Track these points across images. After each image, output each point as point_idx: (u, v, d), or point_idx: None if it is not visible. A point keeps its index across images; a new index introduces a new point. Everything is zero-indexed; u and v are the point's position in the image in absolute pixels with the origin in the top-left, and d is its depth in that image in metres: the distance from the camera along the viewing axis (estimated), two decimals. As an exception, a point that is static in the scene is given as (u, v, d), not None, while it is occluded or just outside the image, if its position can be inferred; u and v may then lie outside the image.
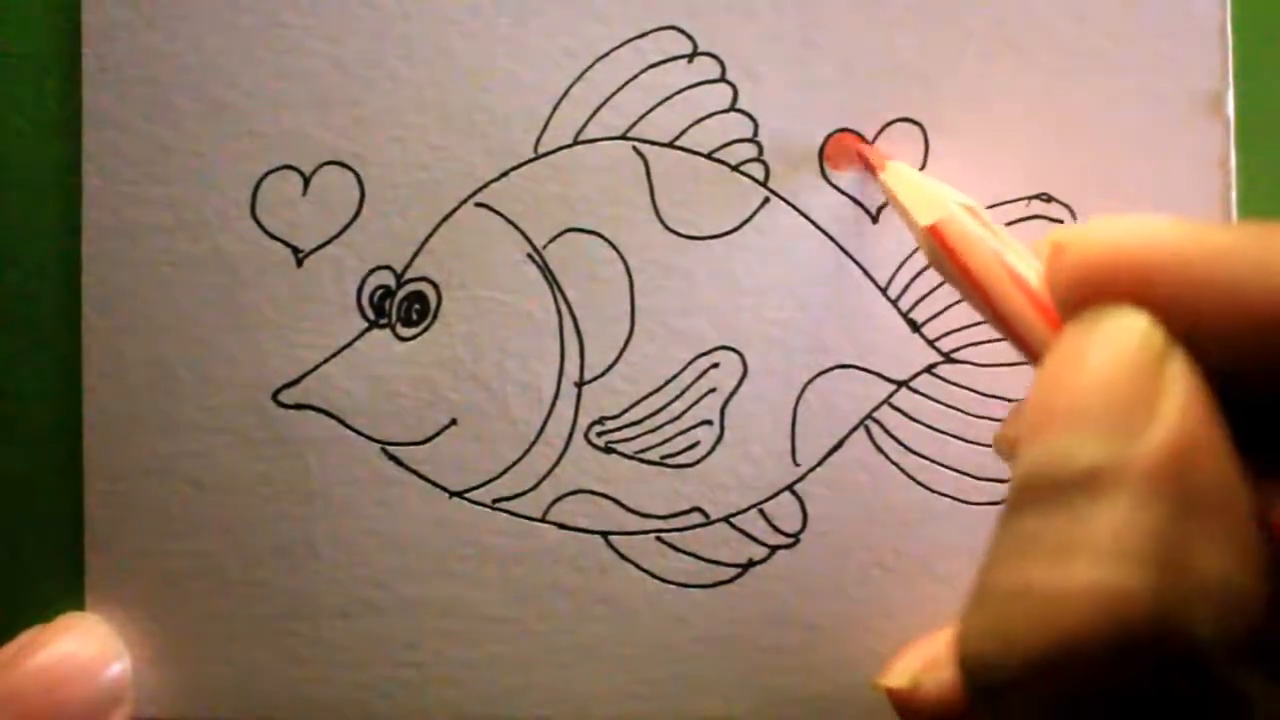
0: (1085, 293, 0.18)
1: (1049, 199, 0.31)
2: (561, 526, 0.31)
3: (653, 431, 0.31)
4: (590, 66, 0.31)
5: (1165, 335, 0.17)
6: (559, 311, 0.31)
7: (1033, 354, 0.22)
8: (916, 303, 0.31)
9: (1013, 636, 0.16)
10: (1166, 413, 0.17)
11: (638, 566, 0.31)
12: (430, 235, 0.31)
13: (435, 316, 0.31)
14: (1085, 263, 0.19)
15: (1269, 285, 0.17)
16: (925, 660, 0.29)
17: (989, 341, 0.31)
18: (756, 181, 0.31)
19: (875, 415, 0.31)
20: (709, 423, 0.31)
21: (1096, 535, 0.16)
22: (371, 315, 0.31)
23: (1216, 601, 0.16)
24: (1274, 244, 0.17)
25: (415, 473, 0.31)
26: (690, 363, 0.31)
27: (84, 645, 0.30)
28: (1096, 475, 0.16)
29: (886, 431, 0.31)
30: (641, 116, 0.31)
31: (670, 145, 0.31)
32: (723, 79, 0.31)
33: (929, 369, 0.31)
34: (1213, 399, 0.17)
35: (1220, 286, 0.17)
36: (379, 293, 0.31)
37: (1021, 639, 0.16)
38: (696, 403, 0.31)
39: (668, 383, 0.31)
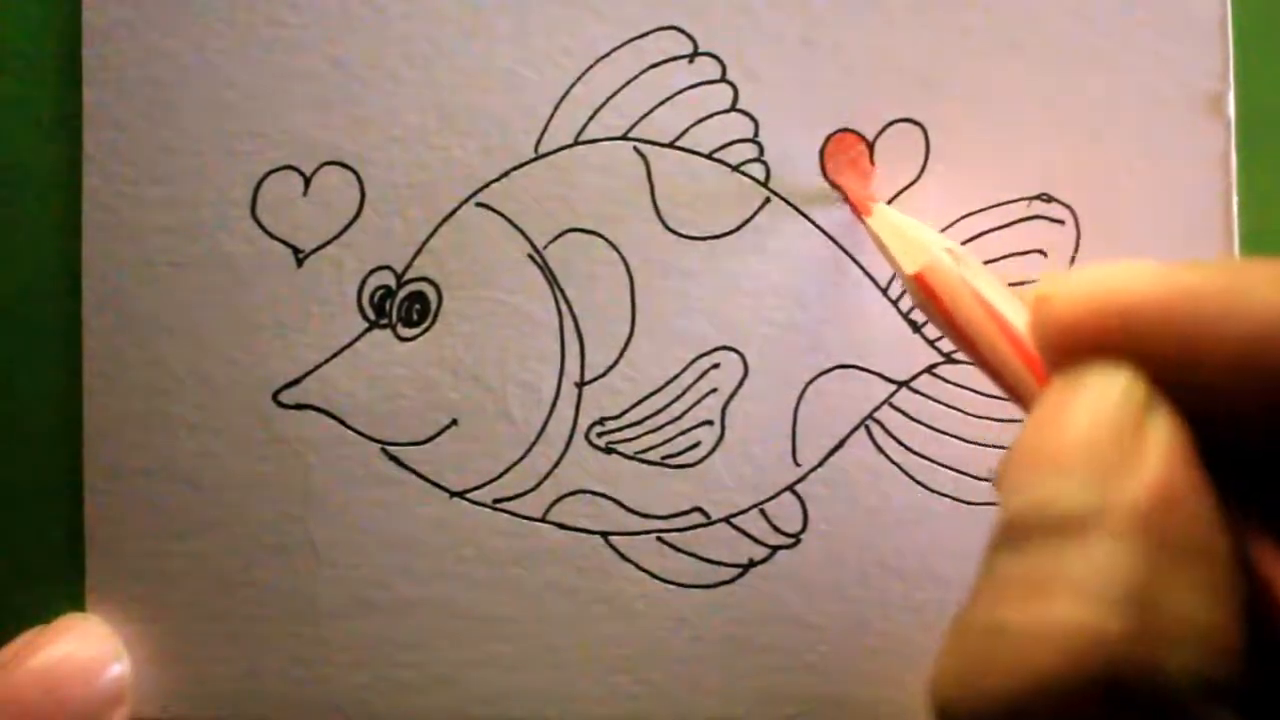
0: (1070, 343, 0.19)
1: (1049, 199, 0.31)
2: (562, 527, 0.31)
3: (653, 432, 0.31)
4: (590, 66, 0.31)
5: (1147, 390, 0.18)
6: (559, 312, 0.31)
7: (1017, 398, 0.22)
8: (917, 303, 0.31)
9: (986, 676, 0.16)
10: (1148, 462, 0.17)
11: (638, 567, 0.31)
12: (430, 235, 0.31)
13: (436, 317, 0.31)
14: (1068, 314, 0.19)
15: (1236, 325, 0.17)
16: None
17: (989, 341, 0.31)
18: (757, 182, 0.31)
19: (876, 415, 0.31)
20: (709, 423, 0.31)
21: (1073, 576, 0.16)
22: (372, 315, 0.31)
23: (1192, 644, 0.16)
24: (1238, 282, 0.18)
25: (415, 473, 0.31)
26: (691, 363, 0.31)
27: (84, 646, 0.30)
28: (1077, 520, 0.17)
29: (887, 431, 0.31)
30: (642, 117, 0.31)
31: (671, 145, 0.31)
32: (723, 79, 0.31)
33: (929, 369, 0.31)
34: (1194, 449, 0.18)
35: (1196, 328, 0.18)
36: (379, 293, 0.31)
37: (995, 679, 0.16)
38: (697, 403, 0.31)
39: (668, 383, 0.31)
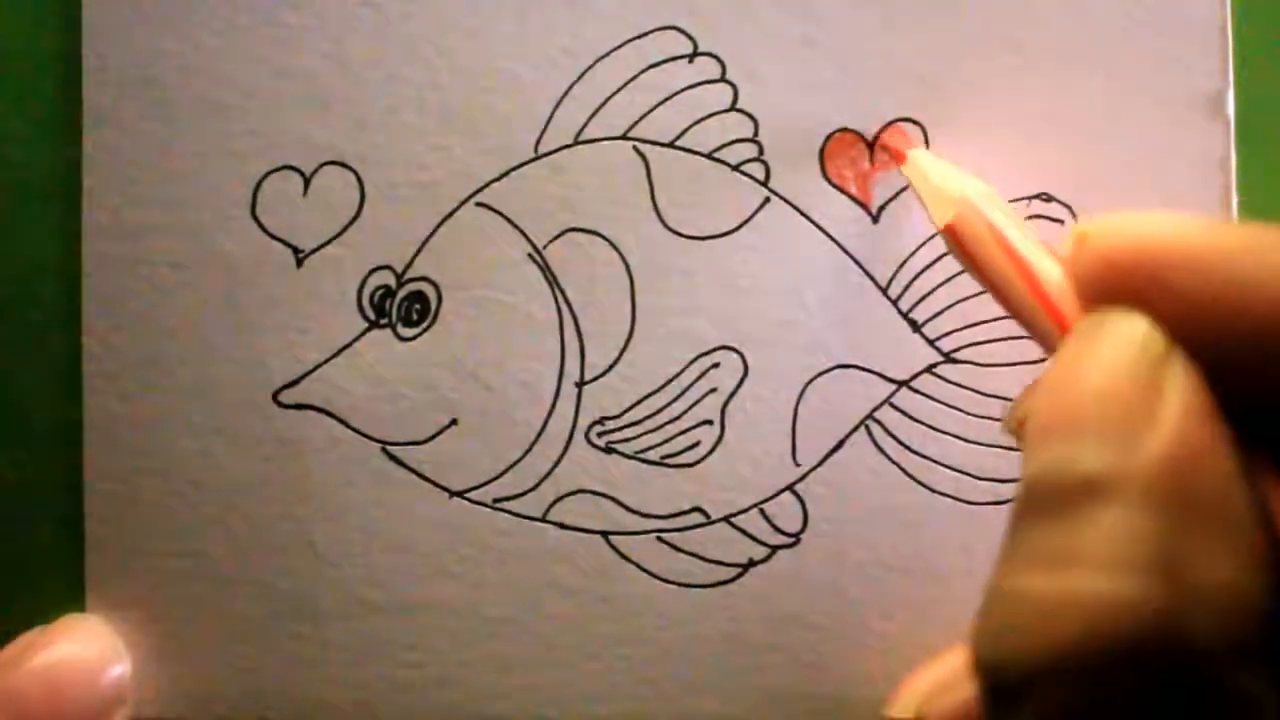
0: (1105, 283, 0.19)
1: (1049, 199, 0.31)
2: (562, 526, 0.31)
3: (653, 431, 0.31)
4: (590, 66, 0.31)
5: (1165, 339, 0.18)
6: (559, 311, 0.31)
7: (1047, 350, 0.22)
8: (917, 303, 0.31)
9: (1016, 642, 0.16)
10: (1165, 419, 0.17)
11: (638, 566, 0.31)
12: (430, 235, 0.31)
13: (435, 316, 0.31)
14: (1106, 253, 0.19)
15: (1273, 287, 0.17)
16: (929, 687, 0.29)
17: (990, 341, 0.31)
18: (757, 181, 0.31)
19: (876, 415, 0.31)
20: (709, 423, 0.31)
21: (1094, 544, 0.16)
22: (372, 315, 0.31)
23: (1218, 606, 0.16)
24: (1274, 241, 0.18)
25: (415, 473, 0.31)
26: (691, 363, 0.31)
27: (85, 647, 0.30)
28: (1096, 483, 0.16)
29: (887, 431, 0.31)
30: (642, 116, 0.31)
31: (670, 145, 0.31)
32: (723, 79, 0.31)
33: (929, 369, 0.31)
34: (1213, 402, 0.17)
35: (1231, 285, 0.18)
36: (379, 293, 0.31)
37: (1024, 644, 0.16)
38: (697, 403, 0.31)
39: (668, 383, 0.31)
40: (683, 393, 0.31)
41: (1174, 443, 0.17)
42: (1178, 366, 0.17)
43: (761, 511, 0.31)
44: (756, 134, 0.31)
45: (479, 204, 0.31)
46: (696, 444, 0.31)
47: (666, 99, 0.31)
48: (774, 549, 0.31)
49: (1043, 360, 0.31)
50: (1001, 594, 0.17)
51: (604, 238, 0.31)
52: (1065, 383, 0.18)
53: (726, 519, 0.31)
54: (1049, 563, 0.16)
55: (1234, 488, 0.17)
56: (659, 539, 0.31)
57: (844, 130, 0.31)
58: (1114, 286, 0.19)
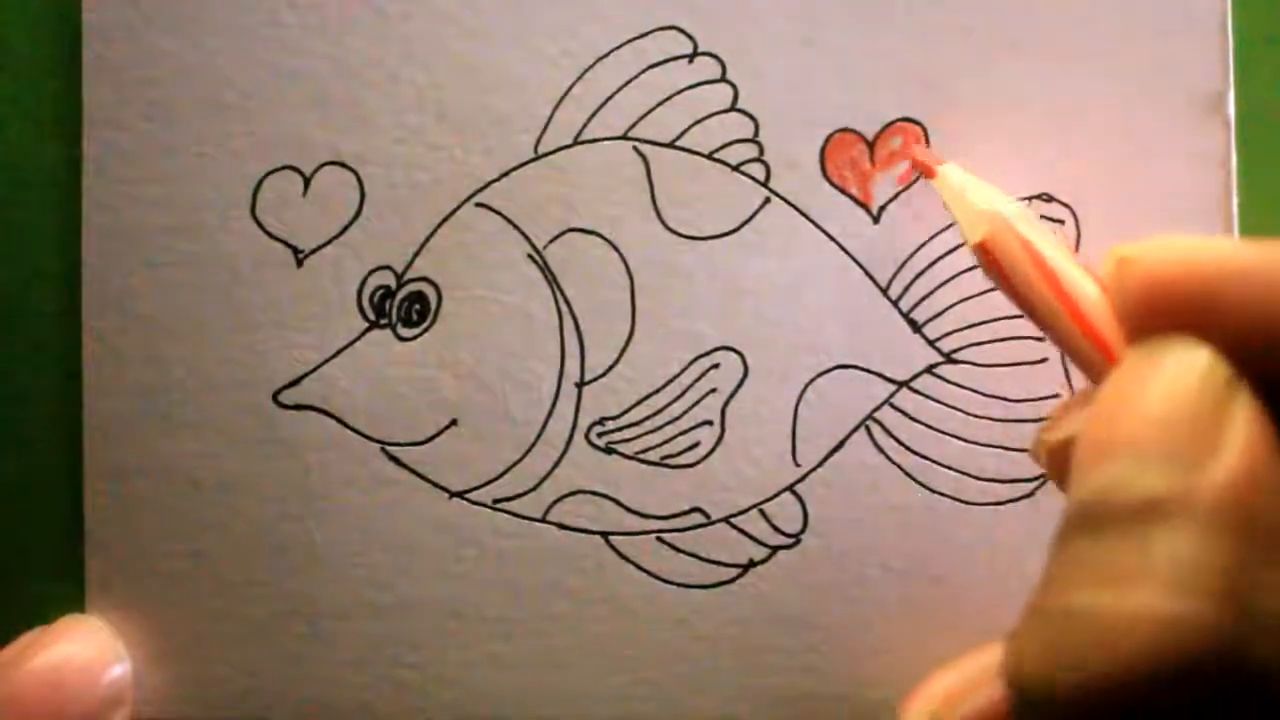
0: (1153, 306, 0.19)
1: (1049, 199, 0.31)
2: (562, 527, 0.31)
3: (653, 432, 0.31)
4: (590, 66, 0.31)
5: (1229, 370, 0.18)
6: (559, 312, 0.31)
7: (1084, 369, 0.22)
8: (917, 303, 0.31)
9: (1071, 659, 0.16)
10: (1231, 446, 0.17)
11: (638, 567, 0.31)
12: (430, 235, 0.31)
13: (435, 317, 0.31)
14: (1152, 276, 0.19)
15: None
16: (945, 692, 0.29)
17: (990, 342, 0.31)
18: (757, 181, 0.31)
19: (876, 415, 0.31)
20: (709, 423, 0.31)
21: (1160, 564, 0.16)
22: (372, 315, 0.31)
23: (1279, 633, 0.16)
24: None
25: (415, 473, 0.31)
26: (690, 363, 0.31)
27: (85, 647, 0.30)
28: (1159, 504, 0.16)
29: (887, 432, 0.31)
30: (642, 116, 0.31)
31: (670, 145, 0.31)
32: (723, 79, 0.31)
33: (930, 369, 0.31)
34: (1276, 432, 0.17)
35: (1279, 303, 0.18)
36: (379, 293, 0.31)
37: (1080, 662, 0.16)
38: (697, 403, 0.31)
39: (668, 383, 0.31)
40: (683, 393, 0.31)
41: (1240, 469, 0.16)
42: (1243, 396, 0.17)
43: (761, 512, 0.31)
44: (757, 134, 0.31)
45: (479, 204, 0.31)
46: (696, 444, 0.31)
47: (666, 99, 0.31)
48: (774, 549, 0.31)
49: (1043, 361, 0.31)
50: (1053, 612, 0.17)
51: (604, 238, 0.31)
52: (1124, 406, 0.18)
53: (726, 519, 0.31)
54: (1110, 580, 0.16)
55: None
56: (659, 539, 0.31)
57: (844, 130, 0.31)
58: (1162, 309, 0.18)
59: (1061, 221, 0.31)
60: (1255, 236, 0.31)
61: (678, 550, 0.31)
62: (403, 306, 0.31)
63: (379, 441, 0.31)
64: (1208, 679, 0.15)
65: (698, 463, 0.31)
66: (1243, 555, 0.16)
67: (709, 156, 0.31)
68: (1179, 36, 0.31)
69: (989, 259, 0.25)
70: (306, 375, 0.31)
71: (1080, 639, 0.16)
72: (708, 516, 0.31)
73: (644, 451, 0.31)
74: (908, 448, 0.31)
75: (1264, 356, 0.18)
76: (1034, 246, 0.24)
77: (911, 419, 0.31)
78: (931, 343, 0.31)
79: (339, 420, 0.31)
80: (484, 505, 0.31)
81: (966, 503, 0.31)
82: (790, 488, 0.31)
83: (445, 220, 0.31)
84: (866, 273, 0.31)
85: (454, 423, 0.31)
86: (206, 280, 0.31)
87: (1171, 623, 0.15)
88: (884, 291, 0.31)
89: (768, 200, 0.31)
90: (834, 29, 0.31)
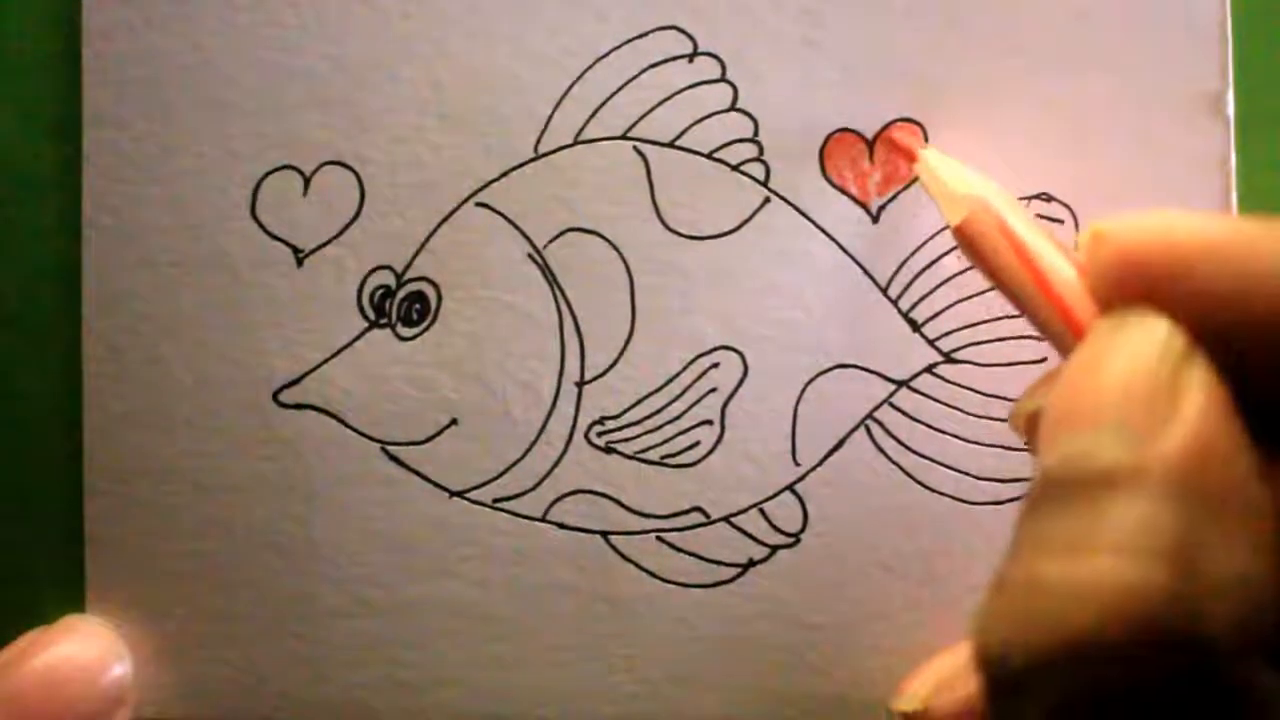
0: (1124, 279, 0.19)
1: (1049, 199, 0.31)
2: (562, 526, 0.31)
3: (653, 431, 0.31)
4: (590, 66, 0.31)
5: (1186, 341, 0.18)
6: (559, 311, 0.31)
7: (1059, 350, 0.22)
8: (917, 302, 0.31)
9: (1028, 628, 0.16)
10: (1186, 415, 0.17)
11: (638, 566, 0.31)
12: (430, 235, 0.31)
13: (435, 316, 0.31)
14: (1125, 250, 0.19)
15: None
16: (935, 682, 0.29)
17: (990, 341, 0.31)
18: (757, 181, 0.31)
19: (876, 415, 0.31)
20: (709, 423, 0.31)
21: (1114, 531, 0.16)
22: (372, 315, 0.31)
23: (1233, 599, 0.16)
24: None
25: (415, 473, 0.31)
26: (690, 363, 0.31)
27: (85, 648, 0.30)
28: (1116, 473, 0.17)
29: (887, 431, 0.31)
30: (642, 116, 0.31)
31: (670, 145, 0.31)
32: (723, 79, 0.31)
33: (929, 369, 0.31)
34: (1231, 402, 0.18)
35: (1253, 276, 0.18)
36: (379, 293, 0.31)
37: (1036, 631, 0.16)
38: (697, 403, 0.31)
39: (668, 383, 0.31)
40: (683, 393, 0.31)
41: (1194, 438, 0.17)
42: (1198, 366, 0.18)
43: (761, 511, 0.31)
44: (756, 134, 0.31)
45: (479, 204, 0.31)
46: (696, 444, 0.31)
47: (666, 99, 0.31)
48: (774, 549, 0.31)
49: (1043, 361, 0.31)
50: (1012, 582, 0.17)
51: (604, 238, 0.31)
52: (1085, 378, 0.18)
53: (726, 519, 0.31)
54: (1066, 549, 0.16)
55: (1250, 484, 0.17)
56: (659, 539, 0.31)
57: (844, 130, 0.31)
58: (1133, 283, 0.19)
59: (1061, 221, 0.31)
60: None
61: (678, 549, 0.31)
62: (403, 306, 0.31)
63: (379, 441, 0.31)
64: (1161, 642, 0.16)
65: (698, 462, 0.31)
66: (1194, 520, 0.16)
67: (709, 156, 0.31)
68: (1179, 36, 0.31)
69: (967, 241, 0.25)
70: (306, 375, 0.31)
71: (1037, 607, 0.16)
72: (707, 516, 0.31)
73: (644, 451, 0.31)
74: (908, 447, 0.31)
75: (1234, 328, 0.18)
76: (1010, 228, 0.24)
77: (911, 418, 0.31)
78: (931, 342, 0.31)
79: (339, 420, 0.31)
80: (484, 505, 0.31)
81: (966, 502, 0.31)
82: (790, 487, 0.31)
83: (445, 220, 0.31)
84: (866, 272, 0.31)
85: (454, 422, 0.31)
86: (206, 280, 0.31)
87: (1124, 587, 0.16)
88: (883, 291, 0.31)
89: (767, 200, 0.31)
90: (834, 29, 0.31)
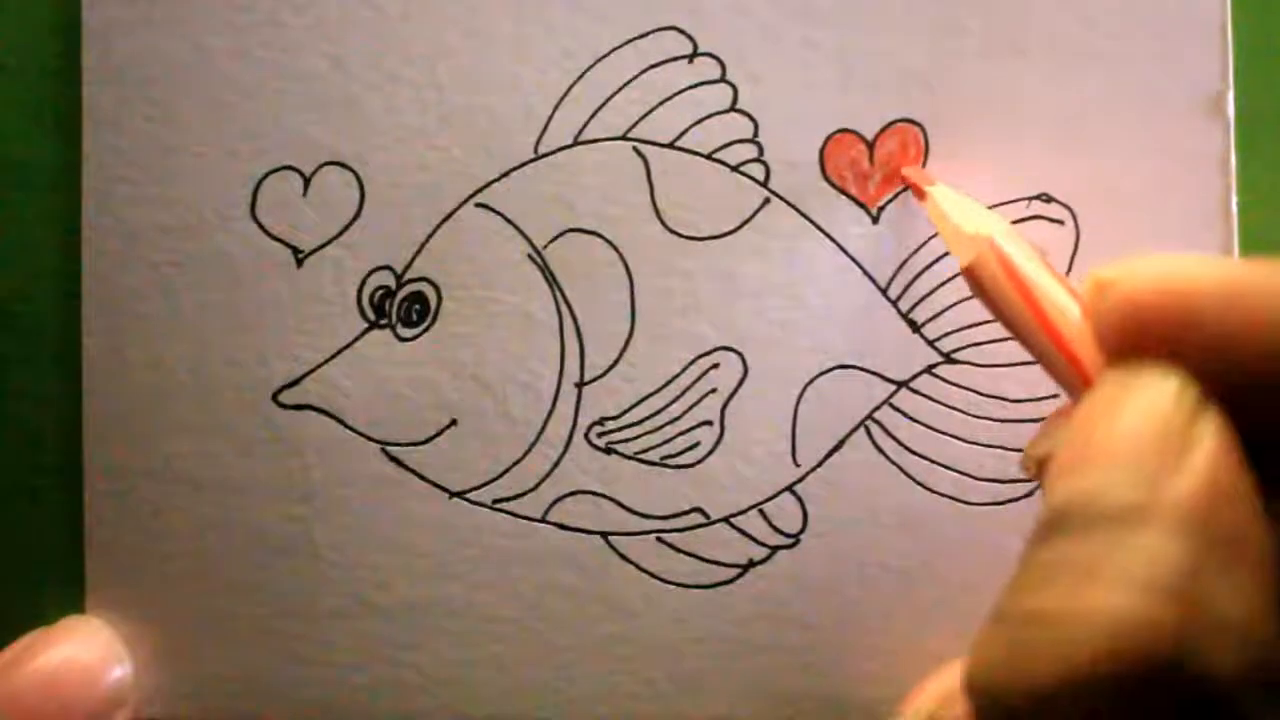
0: (1130, 328, 0.19)
1: (1049, 199, 0.31)
2: (561, 527, 0.31)
3: (653, 432, 0.31)
4: (590, 66, 0.31)
5: (1197, 394, 0.18)
6: (559, 312, 0.31)
7: (1066, 390, 0.22)
8: (917, 303, 0.31)
9: (1028, 663, 0.16)
10: (1196, 462, 0.17)
11: (638, 567, 0.31)
12: (430, 235, 0.31)
13: (435, 317, 0.31)
14: (1127, 303, 0.19)
15: None
16: (939, 696, 0.29)
17: (989, 342, 0.31)
18: (756, 182, 0.31)
19: (875, 415, 0.31)
20: (709, 423, 0.31)
21: (1121, 565, 0.16)
22: (371, 315, 0.31)
23: (1236, 639, 0.16)
24: None
25: (415, 473, 0.31)
26: (690, 363, 0.31)
27: (86, 649, 0.30)
28: (1126, 511, 0.17)
29: (887, 432, 0.31)
30: (642, 117, 0.31)
31: (670, 146, 0.31)
32: (723, 79, 0.31)
33: (929, 369, 0.31)
34: (1240, 452, 0.18)
35: (1257, 327, 0.18)
36: (379, 293, 0.31)
37: (1037, 666, 0.16)
38: (697, 403, 0.31)
39: (668, 383, 0.31)
40: (682, 393, 0.31)
41: (1205, 483, 0.17)
42: (1209, 416, 0.18)
43: (761, 512, 0.31)
44: (756, 134, 0.31)
45: (479, 204, 0.31)
46: (696, 444, 0.31)
47: (666, 99, 0.31)
48: (774, 549, 0.31)
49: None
50: (1011, 613, 0.17)
51: (604, 238, 0.31)
52: (1098, 426, 0.18)
53: (726, 519, 0.31)
54: (1070, 581, 0.17)
55: (1257, 529, 0.17)
56: (659, 539, 0.31)
57: (844, 131, 0.31)
58: (1138, 333, 0.19)
59: (1061, 222, 0.31)
60: (1255, 236, 0.31)
61: (677, 550, 0.31)
62: (403, 306, 0.31)
63: (379, 441, 0.31)
64: (1164, 681, 0.16)
65: (697, 463, 0.31)
66: (1201, 560, 0.16)
67: (709, 157, 0.31)
68: (1179, 37, 0.31)
69: (976, 283, 0.25)
70: (306, 375, 0.31)
71: (1037, 638, 0.16)
72: (707, 516, 0.31)
73: (644, 451, 0.31)
74: (907, 448, 0.31)
75: (1237, 374, 0.18)
76: (1017, 271, 0.24)
77: (911, 419, 0.31)
78: (931, 343, 0.31)
79: (339, 420, 0.31)
80: (484, 505, 0.31)
81: (966, 503, 0.31)
82: (790, 488, 0.31)
83: (445, 220, 0.31)
84: (866, 273, 0.31)
85: (454, 423, 0.31)
86: (206, 280, 0.31)
87: (1125, 620, 0.16)
88: (883, 291, 0.31)
89: (767, 200, 0.31)
90: (834, 29, 0.31)
